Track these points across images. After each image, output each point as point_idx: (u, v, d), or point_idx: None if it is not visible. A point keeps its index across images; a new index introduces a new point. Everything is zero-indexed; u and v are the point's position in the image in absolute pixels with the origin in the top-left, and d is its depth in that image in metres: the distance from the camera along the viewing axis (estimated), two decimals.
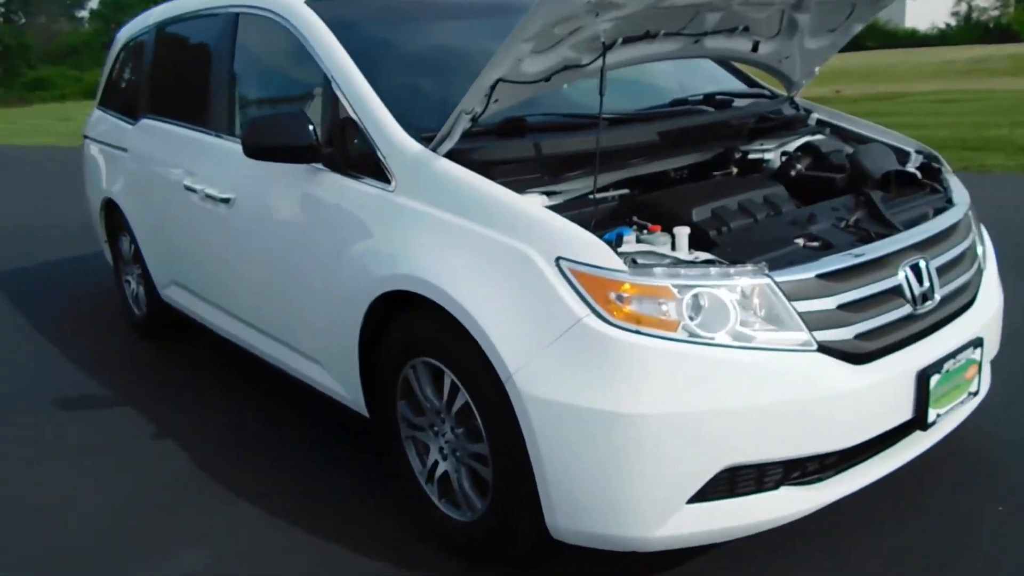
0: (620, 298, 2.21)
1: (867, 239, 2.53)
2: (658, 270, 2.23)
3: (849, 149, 3.23)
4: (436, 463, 2.75)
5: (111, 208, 4.81)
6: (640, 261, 2.29)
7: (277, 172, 3.15)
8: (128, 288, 4.95)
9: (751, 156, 3.20)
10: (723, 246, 2.47)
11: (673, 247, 2.46)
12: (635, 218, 2.63)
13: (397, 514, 2.91)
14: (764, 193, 2.76)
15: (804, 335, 2.26)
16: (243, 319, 3.75)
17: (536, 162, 2.69)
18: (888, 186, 2.91)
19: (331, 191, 2.95)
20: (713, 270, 2.25)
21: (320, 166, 2.98)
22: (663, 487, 2.21)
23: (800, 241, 2.50)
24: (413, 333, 2.66)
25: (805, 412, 2.24)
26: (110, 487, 3.26)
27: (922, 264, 2.52)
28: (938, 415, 2.47)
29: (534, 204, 2.41)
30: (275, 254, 3.29)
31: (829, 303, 2.31)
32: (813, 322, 2.28)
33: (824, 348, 2.27)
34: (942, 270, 2.60)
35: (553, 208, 2.59)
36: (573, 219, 2.47)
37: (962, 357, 2.51)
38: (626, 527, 2.25)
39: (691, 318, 2.21)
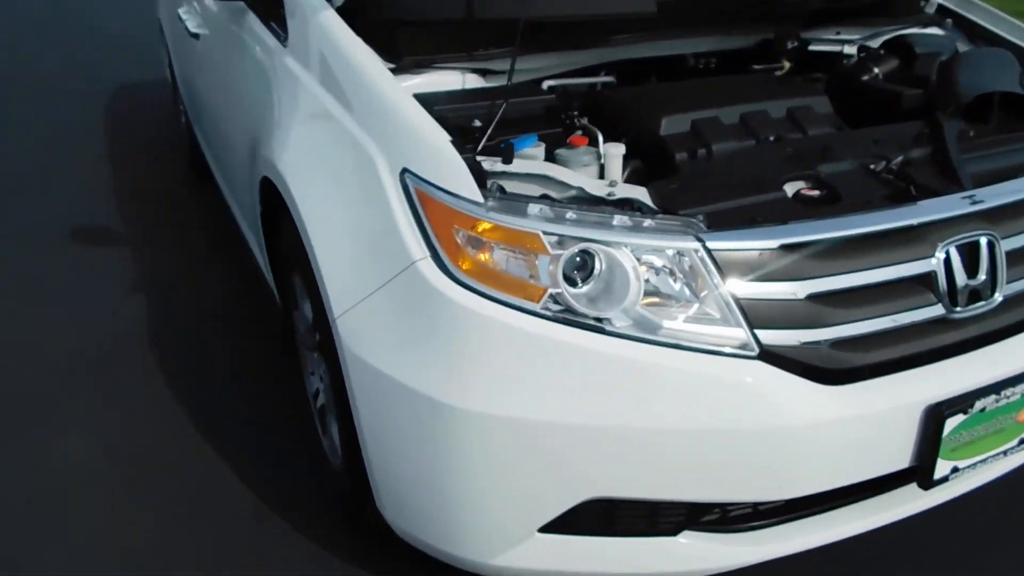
0: (474, 242, 1.47)
1: (903, 195, 1.63)
2: (532, 207, 1.46)
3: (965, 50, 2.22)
4: (318, 391, 2.17)
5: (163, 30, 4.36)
6: (512, 190, 1.54)
7: (228, 11, 2.51)
8: (181, 119, 4.55)
9: (816, 48, 2.25)
10: (680, 177, 1.66)
11: (603, 174, 1.67)
12: (582, 121, 1.83)
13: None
14: (792, 105, 1.87)
15: (741, 333, 1.45)
16: (221, 177, 3.23)
17: (467, 28, 1.90)
18: (988, 115, 1.93)
19: (250, 39, 2.29)
20: (617, 218, 1.46)
21: (248, 7, 2.33)
22: (502, 507, 1.53)
23: (793, 186, 1.63)
24: (291, 232, 2.02)
25: (727, 445, 1.46)
26: (53, 341, 2.91)
27: (983, 244, 1.60)
28: (955, 469, 1.61)
29: (397, 85, 1.66)
30: (222, 106, 2.71)
31: (794, 290, 1.48)
32: (761, 315, 1.46)
33: (770, 355, 1.46)
34: (1017, 257, 1.66)
35: (468, 95, 1.85)
36: (474, 114, 1.72)
37: (1015, 392, 1.62)
38: (457, 545, 1.60)
39: (573, 284, 1.45)
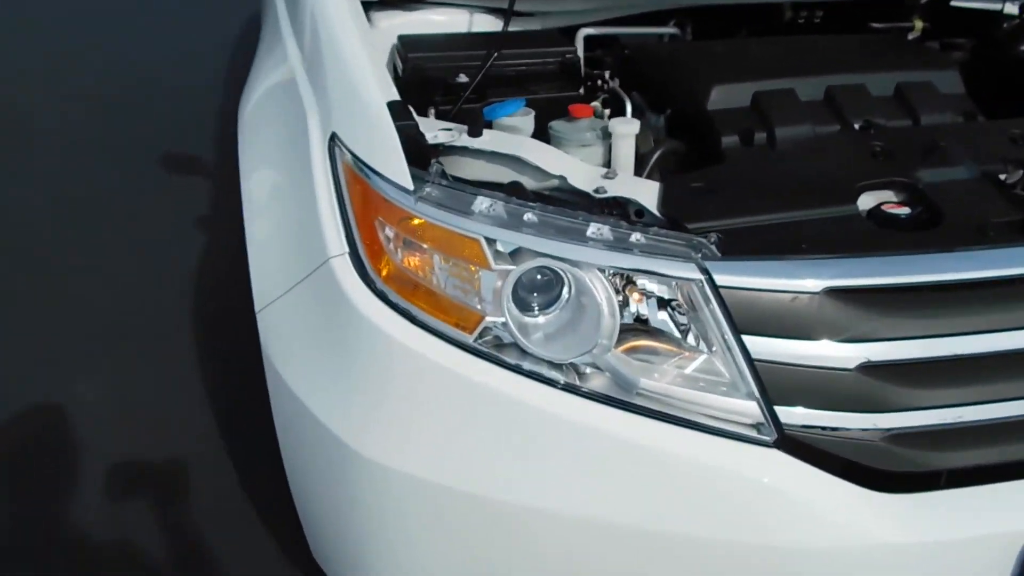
0: (401, 241, 1.07)
1: None
2: (480, 202, 1.03)
3: None
4: None
5: None
6: (477, 174, 1.12)
7: None
8: None
9: (962, 3, 1.67)
10: (712, 172, 1.18)
11: (609, 161, 1.22)
12: (612, 84, 1.37)
13: None
14: (905, 80, 1.34)
15: (754, 409, 0.99)
16: None
17: None
18: None
19: None
20: (593, 228, 1.01)
21: None
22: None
23: (874, 197, 1.12)
24: None
25: (722, 563, 1.01)
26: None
27: None
28: None
29: (347, 20, 1.23)
30: None
31: (842, 354, 0.99)
32: (789, 386, 0.98)
33: (795, 444, 0.99)
34: None
35: (462, 41, 1.42)
36: (465, 67, 1.30)
37: None
38: None
39: (528, 311, 1.03)
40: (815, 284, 0.97)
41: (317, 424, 1.12)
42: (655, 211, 1.07)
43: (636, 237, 1.00)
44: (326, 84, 1.19)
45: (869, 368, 0.99)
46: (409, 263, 1.06)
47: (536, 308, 1.03)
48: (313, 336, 1.14)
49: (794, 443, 0.99)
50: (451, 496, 1.04)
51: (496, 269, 1.01)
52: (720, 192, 1.10)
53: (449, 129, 1.18)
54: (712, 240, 0.99)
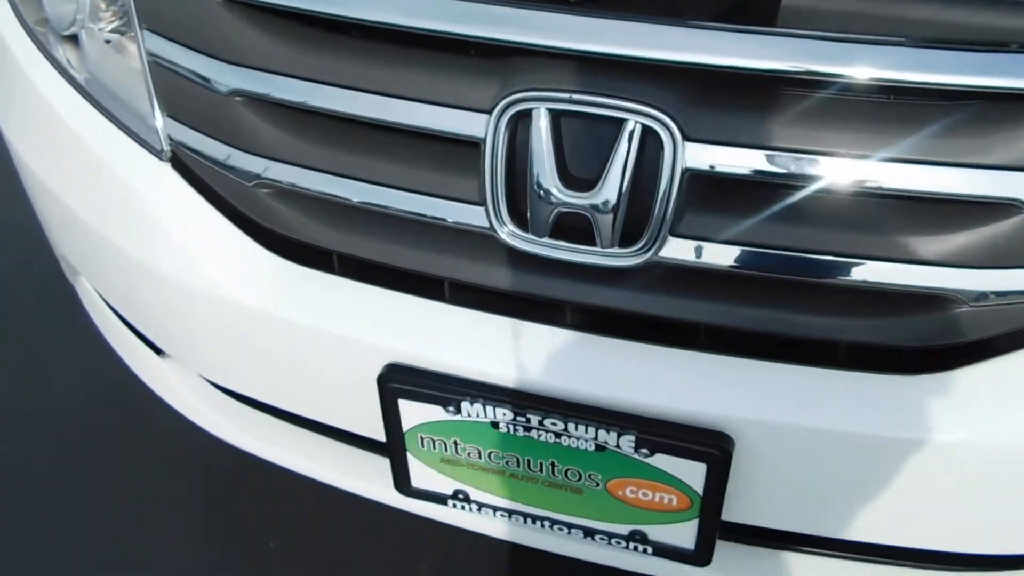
0: None
1: None
2: None
3: None
4: None
5: None
6: None
7: None
8: None
9: None
10: None
11: None
12: None
13: None
14: None
15: (146, 108, 0.88)
16: None
17: None
18: None
19: None
20: None
21: None
22: None
23: None
24: None
25: (114, 261, 0.94)
26: None
27: (631, 128, 0.69)
28: (463, 495, 0.85)
29: None
30: None
31: (220, 76, 0.81)
32: (177, 99, 0.86)
33: (183, 166, 0.88)
34: (704, 188, 0.72)
35: None
36: None
37: (574, 433, 0.75)
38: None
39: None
40: None
41: None
42: None
43: None
44: None
45: (247, 99, 0.81)
46: None
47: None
48: None
49: (184, 165, 0.88)
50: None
51: None
52: None
53: None
54: None
